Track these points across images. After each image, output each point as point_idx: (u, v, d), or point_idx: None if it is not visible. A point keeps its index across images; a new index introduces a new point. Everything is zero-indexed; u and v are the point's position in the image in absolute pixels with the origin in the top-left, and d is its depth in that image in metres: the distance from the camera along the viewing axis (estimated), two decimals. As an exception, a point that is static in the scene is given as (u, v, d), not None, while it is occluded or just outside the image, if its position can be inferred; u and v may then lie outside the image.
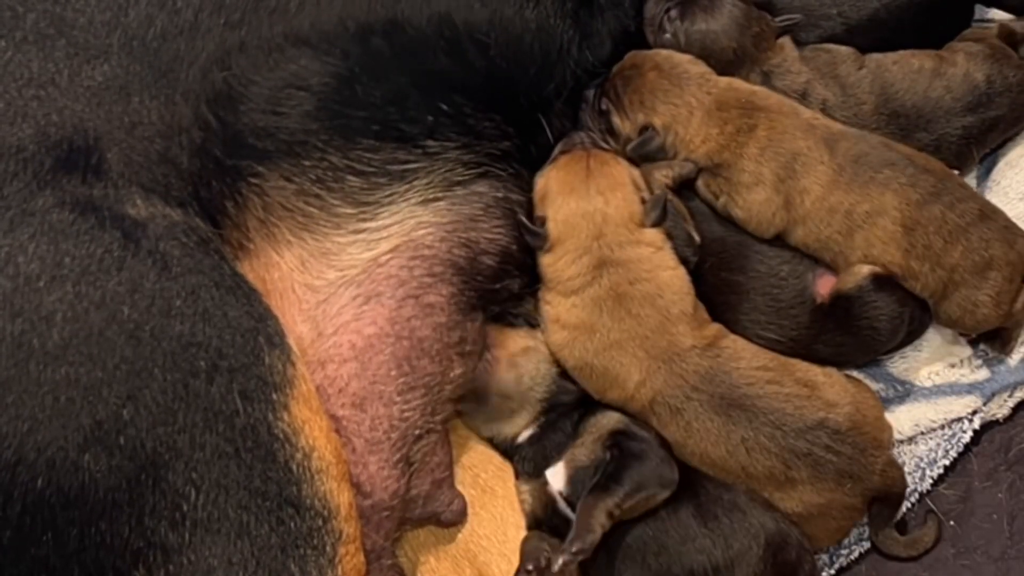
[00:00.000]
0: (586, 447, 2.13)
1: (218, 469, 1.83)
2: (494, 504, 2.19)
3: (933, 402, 2.28)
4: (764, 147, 2.22)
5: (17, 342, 1.79)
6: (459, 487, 2.18)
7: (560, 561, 2.00)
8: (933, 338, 2.33)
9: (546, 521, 2.14)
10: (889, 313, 2.22)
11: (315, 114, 2.07)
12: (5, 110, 1.92)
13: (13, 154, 1.89)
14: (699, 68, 2.30)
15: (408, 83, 2.12)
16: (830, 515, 2.11)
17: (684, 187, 2.27)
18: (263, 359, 1.89)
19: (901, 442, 2.26)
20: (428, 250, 2.12)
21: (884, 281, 2.20)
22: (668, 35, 2.33)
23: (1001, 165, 2.41)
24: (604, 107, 2.30)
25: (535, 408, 2.20)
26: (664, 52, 2.32)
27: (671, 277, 2.19)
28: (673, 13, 2.33)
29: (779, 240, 2.25)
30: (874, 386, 2.30)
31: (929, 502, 2.24)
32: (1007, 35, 2.40)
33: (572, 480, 2.12)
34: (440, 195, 2.15)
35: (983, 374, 2.30)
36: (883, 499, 2.13)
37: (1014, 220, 2.24)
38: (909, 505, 2.22)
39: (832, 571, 2.20)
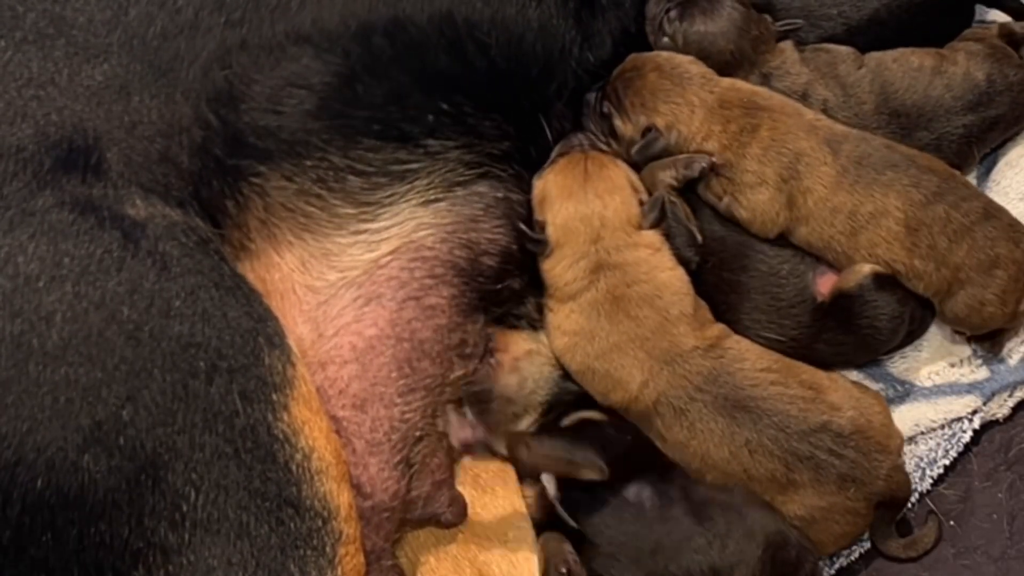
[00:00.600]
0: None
1: (218, 470, 1.83)
2: (494, 504, 2.19)
3: (933, 402, 2.28)
4: (767, 147, 2.22)
5: (16, 342, 1.79)
6: (459, 487, 2.18)
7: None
8: (933, 338, 2.33)
9: (548, 527, 2.14)
10: (890, 312, 2.22)
11: (316, 113, 2.07)
12: (5, 110, 1.91)
13: (13, 154, 1.89)
14: (700, 68, 2.30)
15: (409, 82, 2.12)
16: (833, 519, 2.11)
17: (687, 188, 2.27)
18: (263, 360, 1.88)
19: (901, 442, 2.26)
20: (429, 251, 2.12)
21: (885, 280, 2.21)
22: (667, 37, 2.33)
23: (1001, 165, 2.41)
24: (606, 110, 2.30)
25: (537, 411, 2.20)
26: (665, 53, 2.32)
27: (669, 278, 2.19)
28: (673, 14, 2.33)
29: (780, 239, 2.25)
30: (874, 386, 2.30)
31: (929, 502, 2.24)
32: (1007, 36, 2.40)
33: (562, 486, 2.13)
34: (441, 196, 2.15)
35: (983, 374, 2.30)
36: (887, 504, 2.13)
37: (1015, 220, 2.25)
38: (909, 505, 2.21)
39: (832, 571, 2.20)
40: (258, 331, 1.89)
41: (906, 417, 2.26)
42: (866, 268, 2.20)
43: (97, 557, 1.79)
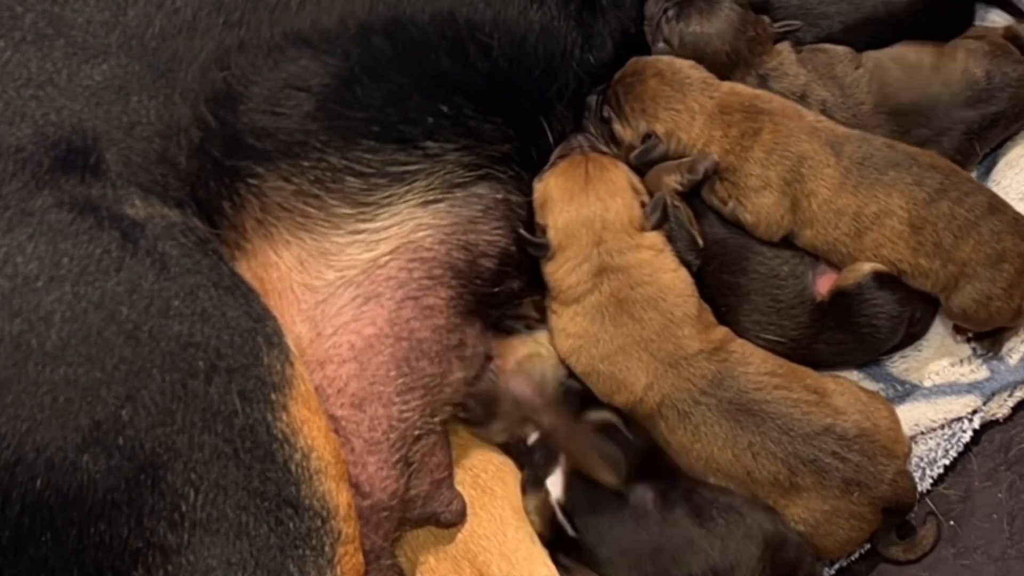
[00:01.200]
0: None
1: (217, 469, 1.83)
2: (494, 504, 2.19)
3: (933, 402, 2.28)
4: (770, 151, 2.22)
5: (16, 342, 1.78)
6: (459, 487, 2.18)
7: None
8: (934, 338, 2.33)
9: (551, 539, 2.14)
10: (889, 311, 2.22)
11: (315, 114, 2.06)
12: (3, 110, 1.91)
13: (12, 154, 1.88)
14: (701, 73, 2.30)
15: (409, 84, 2.12)
16: (837, 524, 2.10)
17: (692, 192, 2.28)
18: (262, 359, 1.88)
19: (902, 443, 2.26)
20: (427, 252, 2.12)
21: (885, 279, 2.21)
22: (663, 38, 2.33)
23: (1001, 165, 2.41)
24: (606, 115, 2.30)
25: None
26: (666, 59, 2.32)
27: (672, 279, 2.19)
28: (670, 14, 2.34)
29: (779, 241, 2.26)
30: (874, 386, 2.30)
31: (929, 502, 2.24)
32: (1012, 37, 2.40)
33: (569, 488, 2.14)
34: (440, 197, 2.14)
35: (983, 373, 2.30)
36: (892, 509, 2.13)
37: (1015, 220, 2.25)
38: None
39: (832, 572, 2.20)
40: (257, 331, 1.89)
41: (906, 417, 2.26)
42: (866, 267, 2.20)
43: (96, 557, 1.79)
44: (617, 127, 2.30)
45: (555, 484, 2.14)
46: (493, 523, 2.18)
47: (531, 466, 2.20)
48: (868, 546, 2.20)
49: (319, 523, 1.88)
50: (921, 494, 2.23)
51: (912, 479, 2.15)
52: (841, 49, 2.37)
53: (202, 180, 2.00)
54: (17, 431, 1.77)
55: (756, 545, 2.06)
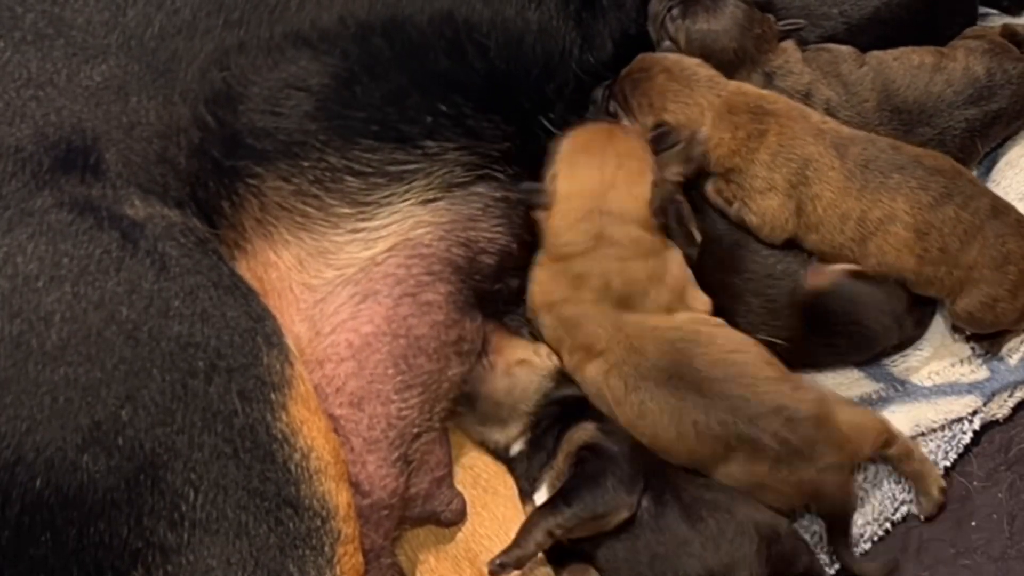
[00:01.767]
0: (559, 467, 2.13)
1: (217, 469, 1.83)
2: (495, 504, 2.19)
3: (933, 402, 2.28)
4: (775, 152, 2.22)
5: (16, 342, 1.79)
6: (459, 487, 2.18)
7: (488, 570, 2.01)
8: (934, 338, 2.34)
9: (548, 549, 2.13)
10: (873, 307, 2.22)
11: (314, 114, 2.07)
12: (3, 110, 1.92)
13: (11, 154, 1.89)
14: (708, 71, 2.30)
15: (408, 83, 2.12)
16: (756, 492, 2.09)
17: (692, 186, 2.28)
18: (261, 359, 1.88)
19: (901, 443, 2.26)
20: (426, 249, 2.12)
21: (859, 276, 2.21)
22: (668, 36, 2.34)
23: (1001, 165, 2.42)
24: (612, 110, 2.30)
25: (523, 421, 2.20)
26: (673, 56, 2.32)
27: (654, 265, 2.19)
28: (675, 11, 2.34)
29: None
30: (874, 386, 2.31)
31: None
32: (1010, 35, 2.41)
33: None
34: (439, 195, 2.15)
35: (983, 374, 2.30)
36: (815, 501, 2.12)
37: (1016, 221, 2.25)
38: (908, 507, 2.22)
39: (832, 572, 2.19)
40: (256, 330, 1.89)
41: (906, 417, 2.26)
42: (838, 266, 2.21)
43: (96, 557, 1.79)
44: (623, 122, 2.30)
45: (542, 499, 2.12)
46: (494, 523, 2.18)
47: (519, 478, 2.20)
48: (869, 546, 2.19)
49: (319, 523, 1.88)
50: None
51: (848, 484, 2.12)
52: (845, 48, 2.37)
53: (202, 180, 2.00)
54: (17, 431, 1.77)
55: (751, 541, 2.05)
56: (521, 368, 2.20)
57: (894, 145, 2.24)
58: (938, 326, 2.33)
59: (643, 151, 2.24)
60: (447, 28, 2.13)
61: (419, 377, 2.09)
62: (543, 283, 2.21)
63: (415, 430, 2.09)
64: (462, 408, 2.19)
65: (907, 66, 2.34)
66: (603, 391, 2.15)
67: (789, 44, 2.37)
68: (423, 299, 2.10)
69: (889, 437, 2.16)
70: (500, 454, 2.22)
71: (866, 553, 2.20)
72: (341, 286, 2.08)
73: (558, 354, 2.21)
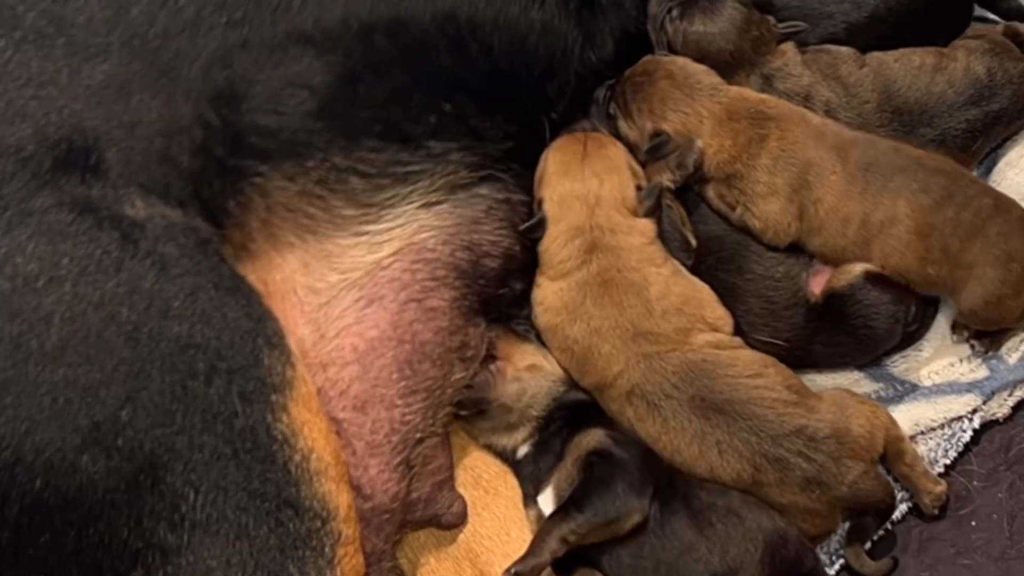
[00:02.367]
0: (567, 470, 2.13)
1: (217, 470, 1.83)
2: (496, 505, 2.19)
3: (933, 401, 2.28)
4: (776, 157, 2.23)
5: (15, 343, 1.79)
6: (461, 488, 2.19)
7: None
8: (934, 338, 2.34)
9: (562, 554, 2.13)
10: (884, 311, 2.23)
11: (317, 113, 2.06)
12: (4, 109, 1.91)
13: (12, 154, 1.88)
14: (712, 79, 2.31)
15: (411, 83, 2.12)
16: (791, 517, 2.10)
17: (685, 188, 2.28)
18: (262, 360, 1.88)
19: (901, 442, 2.26)
20: (431, 253, 2.13)
21: (877, 278, 2.21)
22: (667, 38, 2.34)
23: (1001, 165, 2.41)
24: (612, 112, 2.30)
25: (531, 424, 2.20)
26: (680, 60, 2.33)
27: (657, 274, 2.18)
28: (674, 13, 2.34)
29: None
30: (874, 386, 2.31)
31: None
32: (1012, 35, 2.41)
33: None
34: (443, 198, 2.15)
35: (982, 373, 2.30)
36: (862, 513, 2.13)
37: (1017, 221, 2.25)
38: (909, 507, 2.22)
39: (832, 572, 2.19)
40: (257, 332, 1.89)
41: (906, 417, 2.26)
42: (857, 267, 2.21)
43: (96, 558, 1.79)
44: (622, 124, 2.31)
45: (546, 501, 2.13)
46: (496, 523, 2.18)
47: (524, 481, 2.20)
48: (868, 545, 2.19)
49: (319, 524, 1.88)
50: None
51: (881, 482, 2.14)
52: (845, 50, 2.37)
53: (205, 179, 2.00)
54: (17, 432, 1.77)
55: (756, 547, 2.06)
56: (530, 373, 2.20)
57: (895, 147, 2.24)
58: (938, 327, 2.33)
59: (619, 159, 2.26)
60: (450, 27, 2.13)
61: (423, 382, 2.09)
62: (545, 302, 2.21)
63: (418, 435, 2.09)
64: (471, 414, 2.19)
65: (908, 67, 2.34)
66: (624, 410, 2.16)
67: (788, 46, 2.37)
68: (428, 305, 2.11)
69: (894, 430, 2.17)
70: (506, 457, 2.23)
71: (866, 552, 2.20)
72: (346, 290, 2.08)
73: (570, 375, 2.21)
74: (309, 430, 1.90)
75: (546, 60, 2.23)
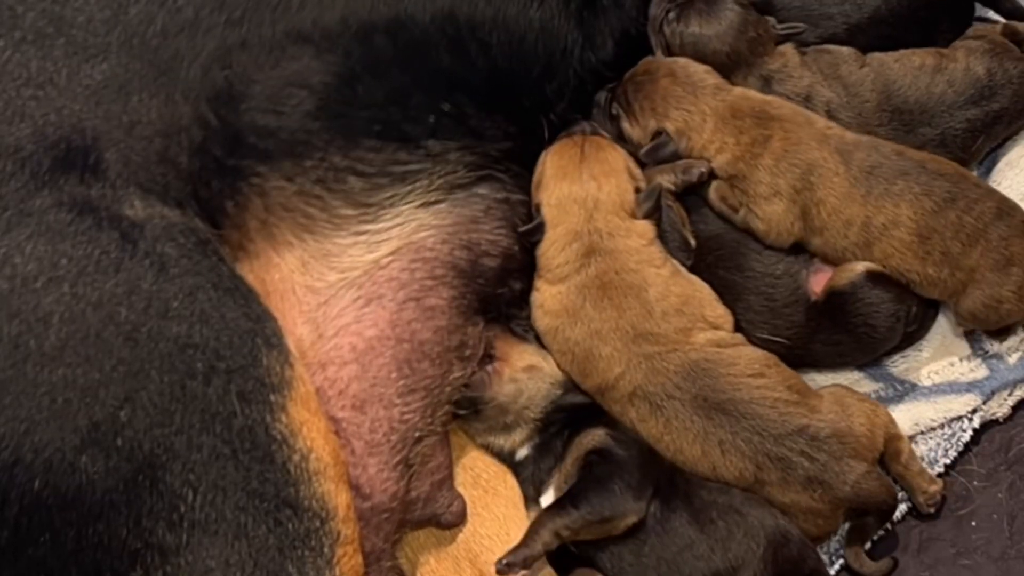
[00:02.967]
0: (566, 470, 2.13)
1: (215, 470, 1.83)
2: (496, 504, 2.19)
3: (933, 401, 2.28)
4: (779, 158, 2.22)
5: (14, 343, 1.79)
6: (460, 488, 2.19)
7: (495, 569, 2.01)
8: (933, 338, 2.33)
9: (554, 553, 2.13)
10: (885, 310, 2.22)
11: (316, 113, 2.06)
12: (3, 109, 1.91)
13: (11, 154, 1.88)
14: (715, 79, 2.31)
15: (411, 82, 2.12)
16: (793, 516, 2.10)
17: (690, 192, 2.28)
18: (261, 360, 1.88)
19: (901, 442, 2.26)
20: (429, 252, 2.12)
21: (879, 277, 2.21)
22: (664, 40, 2.34)
23: (1001, 165, 2.41)
24: (615, 112, 2.30)
25: (529, 426, 2.20)
26: (681, 60, 2.33)
27: (656, 275, 2.18)
28: (672, 15, 2.34)
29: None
30: (874, 386, 2.30)
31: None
32: (1011, 34, 2.40)
33: None
34: (441, 197, 2.15)
35: (982, 372, 2.30)
36: (864, 514, 2.13)
37: (1017, 222, 2.24)
38: (909, 506, 2.22)
39: (832, 572, 2.19)
40: (256, 332, 1.89)
41: (906, 416, 2.26)
42: (859, 266, 2.21)
43: (95, 558, 1.79)
44: (625, 124, 2.31)
45: (548, 503, 2.12)
46: (495, 523, 2.18)
47: (524, 482, 2.19)
48: (868, 545, 2.19)
49: (318, 524, 1.88)
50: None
51: (883, 482, 2.13)
52: (845, 50, 2.37)
53: (204, 179, 2.00)
54: (16, 432, 1.77)
55: (759, 544, 2.06)
56: (528, 374, 2.20)
57: (898, 150, 2.24)
58: (938, 327, 2.33)
59: (617, 163, 2.26)
60: (449, 27, 2.13)
61: (422, 381, 2.09)
62: (544, 306, 2.21)
63: (417, 434, 2.09)
64: (468, 413, 2.18)
65: (908, 67, 2.34)
66: (627, 412, 2.15)
67: (787, 48, 2.37)
68: (427, 304, 2.11)
69: (892, 428, 2.17)
70: (505, 458, 2.22)
71: (866, 552, 2.20)
72: (344, 289, 2.08)
73: (572, 379, 2.21)
74: (308, 430, 1.90)
75: (545, 60, 2.23)
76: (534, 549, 2.01)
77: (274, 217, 2.06)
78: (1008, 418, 2.30)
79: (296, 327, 2.05)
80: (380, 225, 2.11)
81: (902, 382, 2.31)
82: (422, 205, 2.13)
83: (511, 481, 2.21)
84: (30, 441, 1.77)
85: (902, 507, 2.21)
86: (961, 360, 2.32)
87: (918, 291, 2.23)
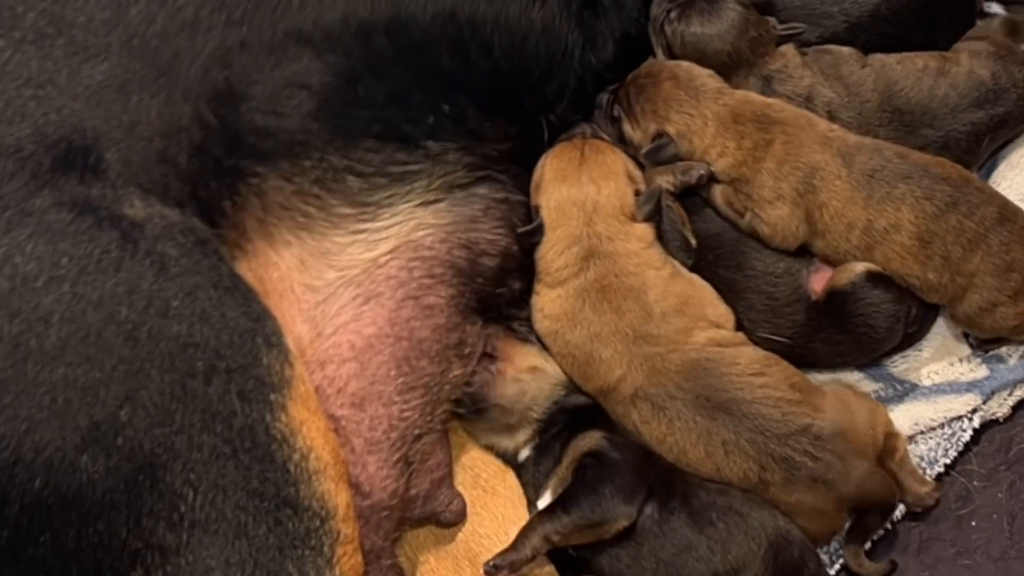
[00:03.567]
0: (562, 474, 2.13)
1: (216, 470, 1.83)
2: (495, 504, 2.19)
3: (932, 401, 2.28)
4: (782, 161, 2.23)
5: (15, 342, 1.79)
6: (460, 487, 2.19)
7: (483, 571, 2.02)
8: (933, 338, 2.34)
9: (552, 555, 2.13)
10: (885, 310, 2.23)
11: (316, 113, 2.06)
12: (3, 109, 1.91)
13: (11, 154, 1.88)
14: (716, 83, 2.31)
15: (410, 83, 2.12)
16: (799, 516, 2.10)
17: (692, 193, 2.28)
18: (261, 360, 1.88)
19: (900, 442, 2.26)
20: (428, 251, 2.13)
21: (879, 278, 2.21)
22: (665, 40, 2.34)
23: (1002, 167, 2.41)
24: (616, 114, 2.30)
25: (532, 427, 2.20)
26: (684, 63, 2.33)
27: (656, 277, 2.18)
28: (673, 15, 2.34)
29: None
30: (874, 385, 2.31)
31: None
32: (1010, 28, 2.40)
33: None
34: (440, 197, 2.15)
35: (982, 372, 2.30)
36: (865, 512, 2.13)
37: (1017, 223, 2.24)
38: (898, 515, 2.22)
39: (832, 572, 2.19)
40: (256, 331, 1.89)
41: (906, 416, 2.26)
42: (859, 266, 2.21)
43: (95, 557, 1.79)
44: (626, 127, 2.31)
45: (545, 503, 2.12)
46: (494, 522, 2.18)
47: (525, 485, 2.20)
48: (868, 545, 2.19)
49: (318, 523, 1.88)
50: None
51: (886, 480, 2.13)
52: (846, 50, 2.37)
53: (203, 180, 2.00)
54: (16, 431, 1.77)
55: (760, 545, 2.05)
56: (531, 375, 2.20)
57: (901, 153, 2.24)
58: (938, 327, 2.33)
59: (617, 166, 2.26)
60: (450, 27, 2.13)
61: (421, 379, 2.09)
62: (544, 310, 2.21)
63: (416, 432, 2.09)
64: (471, 414, 2.19)
65: (910, 69, 2.34)
66: (629, 414, 2.15)
67: (788, 48, 2.37)
68: (425, 302, 2.11)
69: (891, 426, 2.17)
70: (508, 460, 2.23)
71: (866, 552, 2.20)
72: (343, 287, 2.08)
73: (573, 381, 2.21)
74: (308, 429, 1.90)
75: (546, 61, 2.23)
76: (522, 554, 2.02)
77: (272, 216, 2.06)
78: (1008, 418, 2.30)
79: (295, 325, 2.05)
80: (379, 224, 2.11)
81: (902, 382, 2.31)
82: (421, 204, 2.13)
83: (511, 481, 2.21)
84: (30, 440, 1.77)
85: (902, 507, 2.20)
86: (961, 360, 2.32)
87: (918, 295, 2.23)
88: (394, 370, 2.07)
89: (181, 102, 1.99)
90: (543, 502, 2.14)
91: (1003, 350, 2.30)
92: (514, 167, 2.23)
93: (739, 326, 2.23)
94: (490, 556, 2.03)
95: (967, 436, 2.27)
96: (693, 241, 2.25)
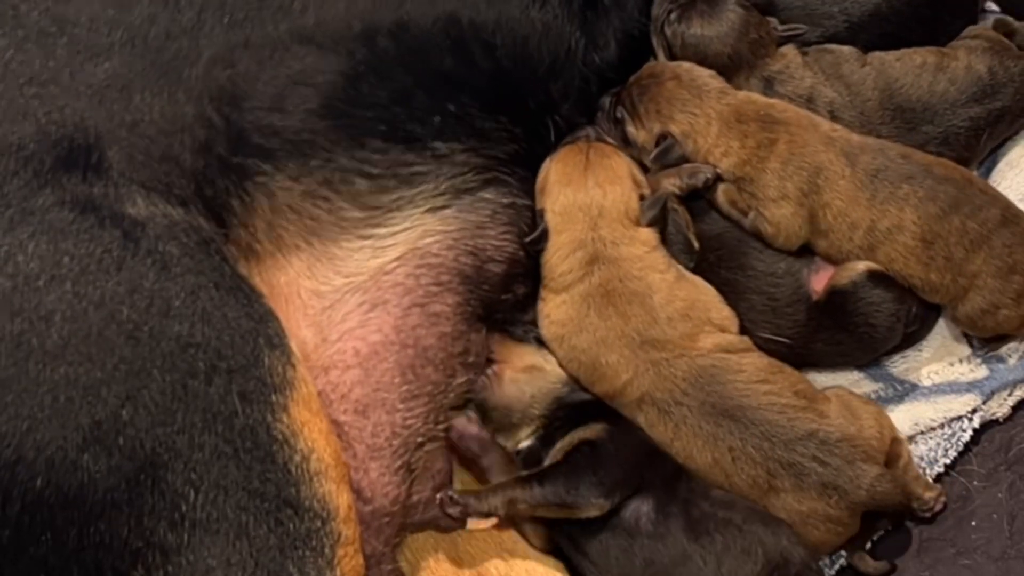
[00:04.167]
0: (555, 456, 2.12)
1: (217, 470, 1.83)
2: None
3: (932, 401, 2.28)
4: (786, 161, 2.22)
5: (16, 341, 1.79)
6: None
7: (437, 499, 2.04)
8: (933, 338, 2.33)
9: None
10: (886, 310, 2.22)
11: (321, 112, 2.06)
12: (6, 108, 1.91)
13: (13, 152, 1.89)
14: (719, 83, 2.31)
15: (414, 83, 2.12)
16: (813, 525, 2.09)
17: (696, 197, 2.28)
18: (262, 360, 1.88)
19: (901, 442, 2.26)
20: (435, 258, 2.13)
21: (880, 277, 2.21)
22: (666, 41, 2.34)
23: (1002, 165, 2.41)
24: (619, 115, 2.30)
25: (535, 423, 2.19)
26: (686, 64, 2.33)
27: (661, 280, 2.18)
28: (673, 16, 2.34)
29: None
30: (874, 386, 2.30)
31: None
32: (1004, 28, 2.41)
33: None
34: (447, 202, 2.15)
35: (982, 372, 2.30)
36: (878, 516, 2.13)
37: (1016, 222, 2.24)
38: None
39: (832, 572, 2.20)
40: (258, 332, 1.89)
41: (906, 417, 2.25)
42: (860, 265, 2.21)
43: (96, 557, 1.79)
44: (630, 128, 2.31)
45: None
46: (494, 528, 2.18)
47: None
48: (868, 545, 2.19)
49: (319, 524, 1.88)
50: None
51: (897, 484, 2.12)
52: (847, 49, 2.37)
53: (208, 178, 2.00)
54: (18, 430, 1.77)
55: (756, 563, 2.04)
56: (529, 374, 2.19)
57: (904, 153, 2.24)
58: (938, 327, 2.33)
59: (622, 169, 2.25)
60: (452, 28, 2.13)
61: (425, 387, 2.09)
62: (550, 316, 2.21)
63: (419, 439, 2.09)
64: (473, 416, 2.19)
65: (909, 66, 2.34)
66: (636, 417, 2.15)
67: (789, 49, 2.37)
68: (431, 309, 2.11)
69: (895, 431, 2.17)
70: (511, 455, 2.22)
71: (866, 552, 2.20)
72: (350, 294, 2.08)
73: (581, 385, 2.21)
74: (309, 430, 1.90)
75: (549, 61, 2.23)
76: (481, 505, 2.03)
77: (281, 219, 2.06)
78: (1008, 418, 2.29)
79: (300, 330, 2.05)
80: (386, 229, 2.11)
81: (902, 382, 2.31)
82: (428, 210, 2.13)
83: (510, 483, 2.21)
84: (32, 439, 1.77)
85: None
86: (961, 360, 2.32)
87: (920, 296, 2.23)
88: (398, 377, 2.07)
89: (184, 100, 1.99)
90: None
91: (1003, 350, 2.30)
92: (520, 170, 2.23)
93: (741, 327, 2.22)
94: (488, 559, 2.03)
95: (967, 436, 2.26)
96: (696, 244, 2.25)
